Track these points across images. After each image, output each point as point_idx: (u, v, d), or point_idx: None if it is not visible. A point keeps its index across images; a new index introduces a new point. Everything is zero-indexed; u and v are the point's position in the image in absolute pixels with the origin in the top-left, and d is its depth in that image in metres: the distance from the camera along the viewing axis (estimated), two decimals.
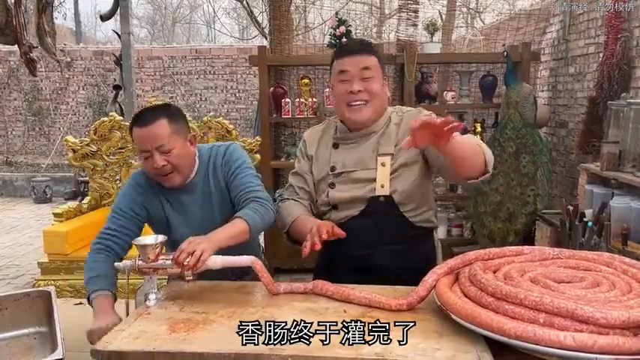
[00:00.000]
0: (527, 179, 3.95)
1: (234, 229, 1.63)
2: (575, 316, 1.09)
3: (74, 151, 3.83)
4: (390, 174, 1.70)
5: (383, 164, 1.70)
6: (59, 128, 10.10)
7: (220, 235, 1.58)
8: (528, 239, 3.96)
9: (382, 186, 1.70)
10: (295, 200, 1.84)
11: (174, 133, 1.75)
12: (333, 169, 1.77)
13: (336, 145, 1.80)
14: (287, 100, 4.48)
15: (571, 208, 3.08)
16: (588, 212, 3.13)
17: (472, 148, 1.55)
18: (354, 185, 1.74)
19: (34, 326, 1.87)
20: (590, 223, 2.84)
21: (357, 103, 1.72)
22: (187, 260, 1.47)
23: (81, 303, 2.12)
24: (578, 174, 3.92)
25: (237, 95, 9.88)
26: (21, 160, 9.91)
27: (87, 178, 7.43)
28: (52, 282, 3.28)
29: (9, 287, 4.34)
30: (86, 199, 3.92)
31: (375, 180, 1.70)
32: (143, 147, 1.73)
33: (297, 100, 4.49)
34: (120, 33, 4.60)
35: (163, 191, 1.85)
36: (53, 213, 3.67)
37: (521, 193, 3.97)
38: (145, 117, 1.74)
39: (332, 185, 1.77)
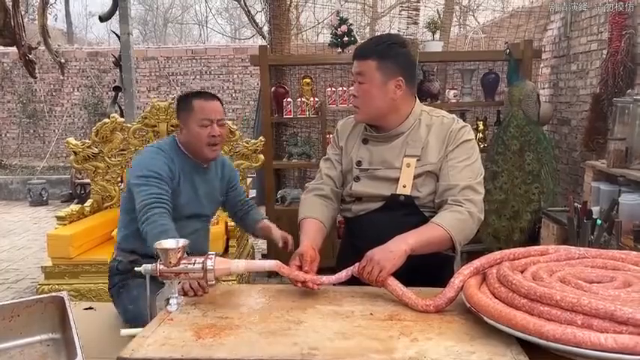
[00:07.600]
0: (532, 177, 3.95)
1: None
2: (615, 318, 1.08)
3: (75, 153, 3.78)
4: (415, 177, 1.71)
5: (408, 165, 1.71)
6: (54, 130, 9.99)
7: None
8: (533, 237, 3.96)
9: (404, 186, 1.71)
10: (315, 195, 1.86)
11: (224, 115, 2.09)
12: (359, 163, 1.80)
13: (365, 141, 1.82)
14: (289, 99, 4.45)
15: (579, 205, 3.07)
16: (595, 209, 3.12)
17: (434, 243, 1.62)
18: (377, 182, 1.76)
19: (47, 333, 1.82)
20: (599, 221, 2.84)
21: (354, 107, 1.79)
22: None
23: (91, 308, 2.09)
24: (581, 171, 3.92)
25: (234, 95, 9.82)
26: (15, 162, 9.81)
27: (84, 180, 7.42)
28: (57, 286, 3.23)
29: (9, 292, 4.29)
30: (88, 202, 3.87)
31: (398, 180, 1.71)
32: (208, 116, 2.00)
33: (299, 99, 4.46)
34: (119, 34, 4.55)
35: (182, 164, 2.05)
36: (56, 216, 3.62)
37: (525, 191, 3.97)
38: (207, 95, 2.06)
39: (357, 179, 1.80)
